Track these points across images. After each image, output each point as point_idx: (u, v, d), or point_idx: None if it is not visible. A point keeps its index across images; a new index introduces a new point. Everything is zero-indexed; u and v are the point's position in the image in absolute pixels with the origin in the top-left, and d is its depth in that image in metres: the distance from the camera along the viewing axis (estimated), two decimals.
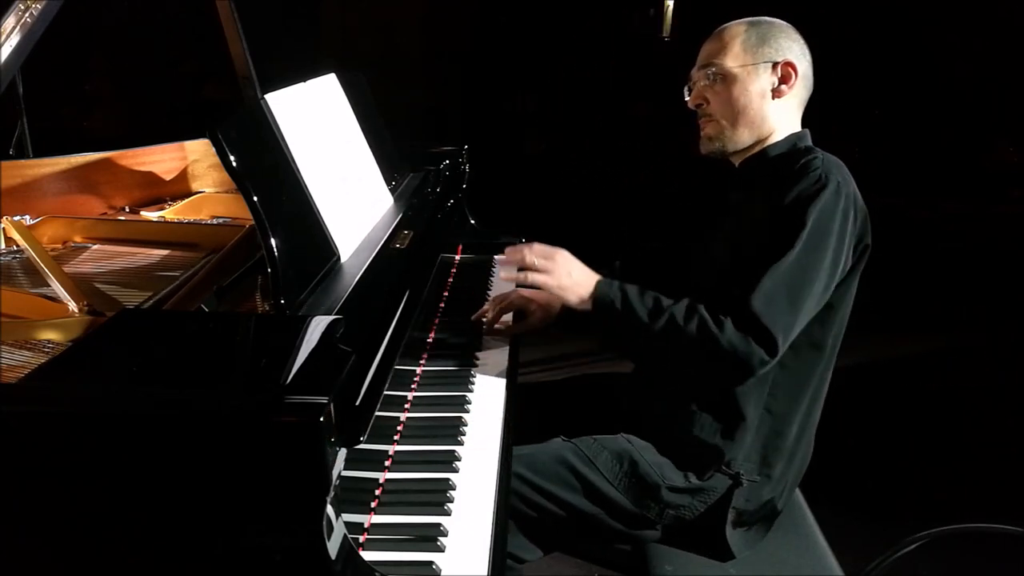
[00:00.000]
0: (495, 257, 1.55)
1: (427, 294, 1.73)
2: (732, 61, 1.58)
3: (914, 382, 3.57)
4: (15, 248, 1.74)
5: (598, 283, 1.50)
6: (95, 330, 1.27)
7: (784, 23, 1.64)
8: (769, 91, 1.58)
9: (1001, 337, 3.95)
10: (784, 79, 1.58)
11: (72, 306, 1.42)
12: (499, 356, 1.68)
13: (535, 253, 1.54)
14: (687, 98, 1.66)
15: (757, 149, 1.61)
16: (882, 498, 2.68)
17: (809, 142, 1.61)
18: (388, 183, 1.85)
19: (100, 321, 1.33)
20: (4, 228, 1.77)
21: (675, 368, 1.51)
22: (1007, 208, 5.65)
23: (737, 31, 1.60)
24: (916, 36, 5.88)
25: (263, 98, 1.43)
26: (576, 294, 1.51)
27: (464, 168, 2.35)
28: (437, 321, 1.80)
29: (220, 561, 0.96)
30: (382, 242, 1.57)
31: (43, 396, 0.99)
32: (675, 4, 5.85)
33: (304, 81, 1.63)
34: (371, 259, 1.47)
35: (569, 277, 1.52)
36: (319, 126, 1.59)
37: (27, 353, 1.29)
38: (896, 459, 2.95)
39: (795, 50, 1.59)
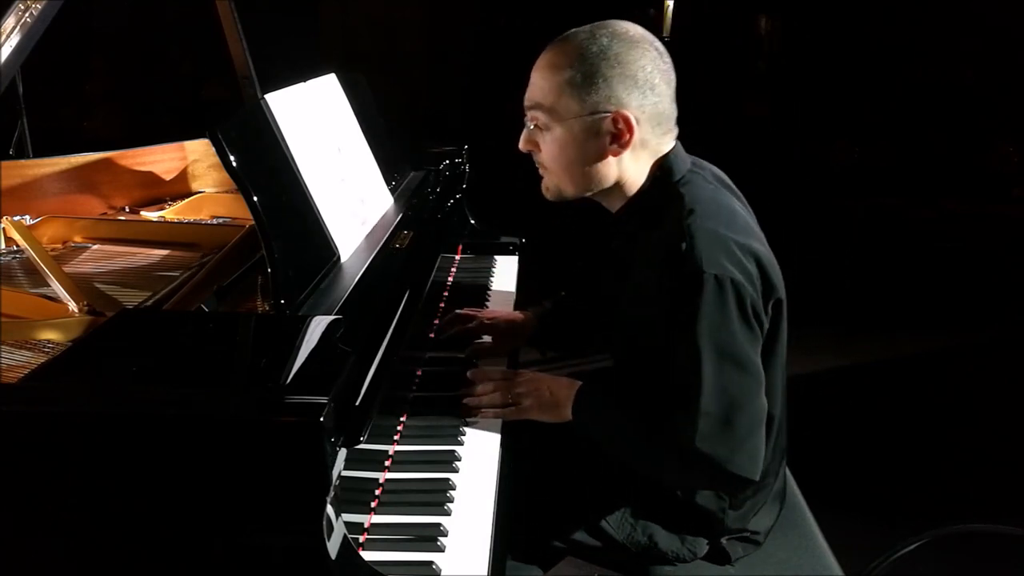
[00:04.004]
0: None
1: (427, 294, 1.73)
2: (557, 106, 1.28)
3: (914, 382, 3.56)
4: (15, 248, 1.74)
5: (574, 418, 1.37)
6: (95, 330, 1.27)
7: (627, 41, 1.26)
8: (606, 149, 1.28)
9: (1001, 337, 3.95)
10: (617, 136, 1.27)
11: (72, 306, 1.42)
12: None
13: (502, 392, 1.43)
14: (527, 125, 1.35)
15: (623, 202, 1.36)
16: (882, 498, 2.68)
17: (676, 172, 1.32)
18: (388, 183, 1.85)
19: (100, 321, 1.33)
20: (4, 228, 1.77)
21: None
22: (1008, 208, 5.64)
23: (561, 61, 1.27)
24: (916, 36, 5.88)
25: (263, 98, 1.43)
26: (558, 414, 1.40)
27: (464, 168, 2.34)
28: (437, 321, 1.80)
29: (220, 561, 0.96)
30: (382, 242, 1.57)
31: (43, 396, 0.99)
32: (675, 4, 5.84)
33: (304, 81, 1.63)
34: (371, 259, 1.47)
35: (542, 402, 1.41)
36: (319, 126, 1.59)
37: (27, 353, 1.29)
38: (896, 459, 2.94)
39: (633, 95, 1.26)
